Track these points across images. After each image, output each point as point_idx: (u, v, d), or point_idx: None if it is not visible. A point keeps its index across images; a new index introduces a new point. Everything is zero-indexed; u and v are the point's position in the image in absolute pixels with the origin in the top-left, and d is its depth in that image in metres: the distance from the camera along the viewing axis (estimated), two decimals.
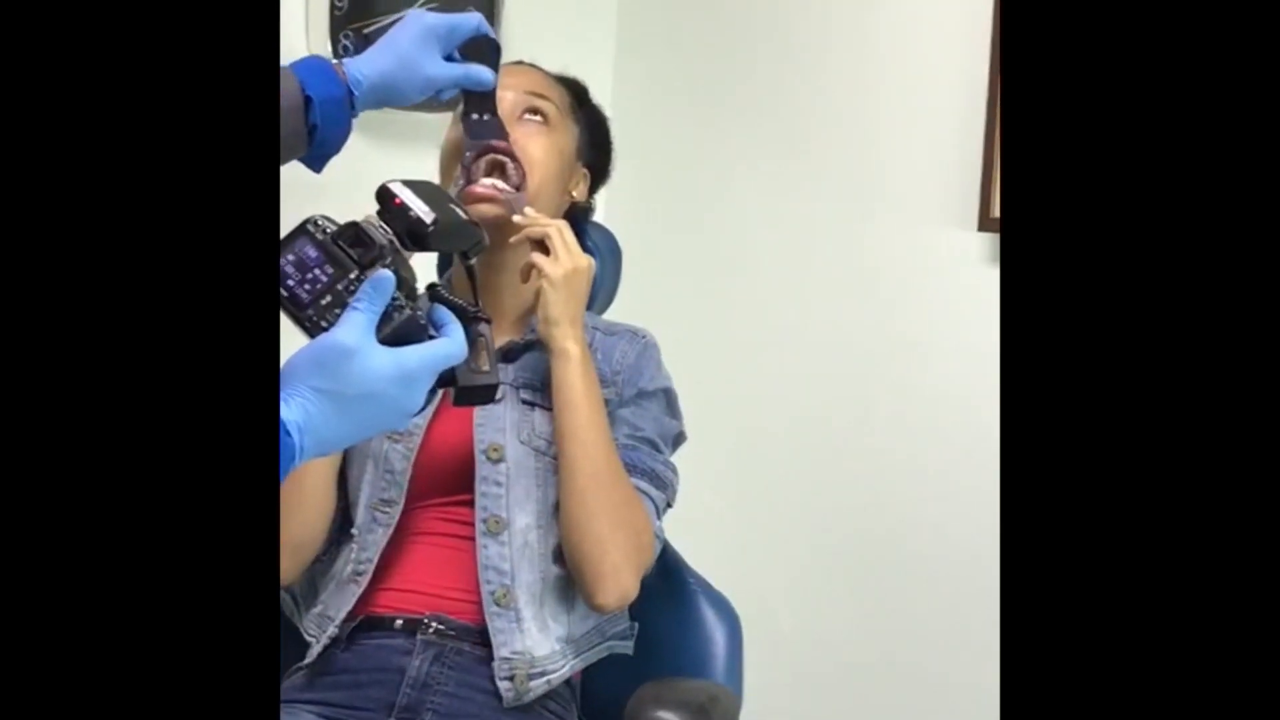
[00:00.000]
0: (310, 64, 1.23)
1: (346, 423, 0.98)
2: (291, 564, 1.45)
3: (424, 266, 1.36)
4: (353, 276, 1.02)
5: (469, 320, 1.08)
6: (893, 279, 2.09)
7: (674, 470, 1.51)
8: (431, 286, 1.11)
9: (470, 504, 1.44)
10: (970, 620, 1.90)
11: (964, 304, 1.97)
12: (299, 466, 0.96)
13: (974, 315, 1.92)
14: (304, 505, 1.44)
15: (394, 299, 1.02)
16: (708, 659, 1.52)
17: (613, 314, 1.68)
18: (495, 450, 1.45)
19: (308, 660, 1.44)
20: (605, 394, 1.47)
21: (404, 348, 1.01)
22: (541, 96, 1.53)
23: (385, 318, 1.01)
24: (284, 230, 1.01)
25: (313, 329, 1.01)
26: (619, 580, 1.40)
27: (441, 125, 1.56)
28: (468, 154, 1.43)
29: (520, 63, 1.56)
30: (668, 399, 1.53)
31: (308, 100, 1.20)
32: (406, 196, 1.08)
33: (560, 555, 1.45)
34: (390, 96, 1.28)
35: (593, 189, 1.62)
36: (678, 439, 1.54)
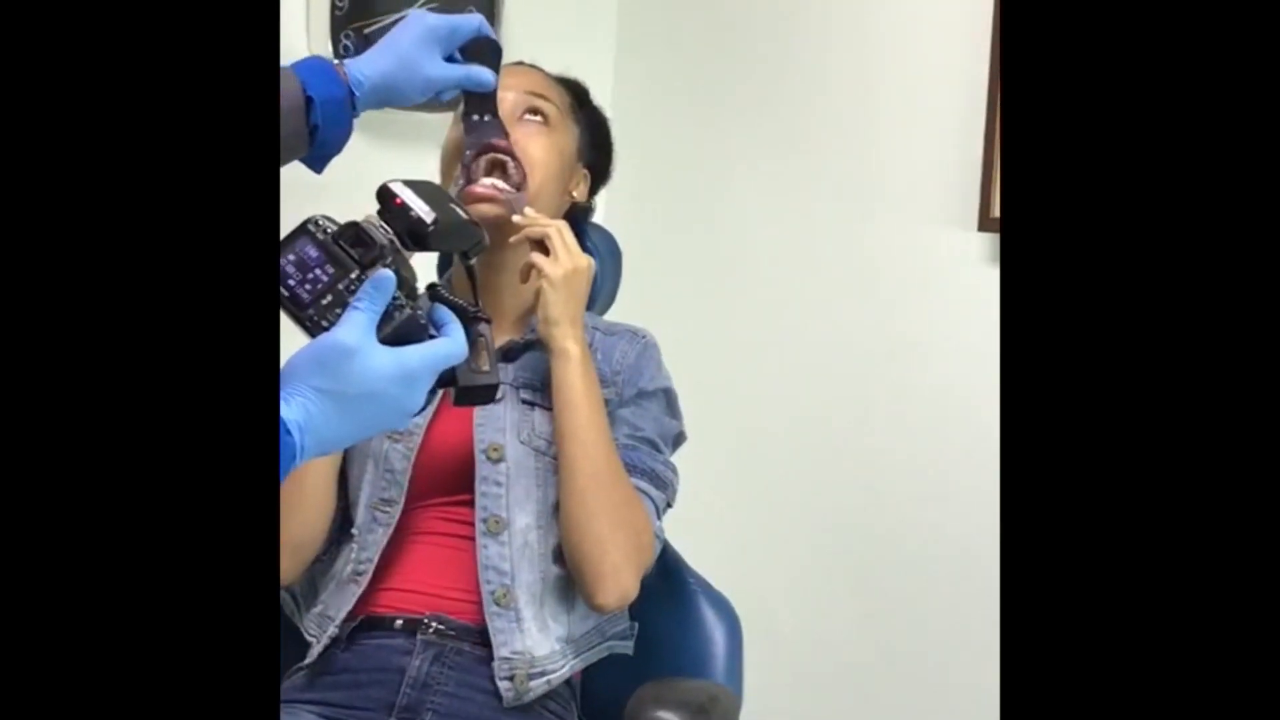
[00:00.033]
0: (311, 64, 1.23)
1: (347, 422, 0.98)
2: (292, 564, 1.45)
3: (424, 267, 1.36)
4: (353, 276, 1.02)
5: (469, 320, 1.08)
6: (893, 279, 2.09)
7: (674, 470, 1.51)
8: (431, 286, 1.11)
9: (470, 504, 1.44)
10: (970, 620, 1.90)
11: (964, 304, 1.97)
12: (299, 466, 0.96)
13: (974, 315, 1.92)
14: (304, 505, 1.44)
15: (395, 298, 1.02)
16: (708, 659, 1.52)
17: (613, 314, 1.68)
18: (495, 450, 1.45)
19: (308, 660, 1.44)
20: (605, 394, 1.47)
21: (405, 347, 1.01)
22: (542, 97, 1.53)
23: (386, 317, 1.01)
24: (284, 230, 1.02)
25: (313, 328, 1.01)
26: (619, 580, 1.40)
27: (442, 125, 1.56)
28: (468, 152, 1.43)
29: (521, 63, 1.56)
30: (668, 399, 1.53)
31: (309, 101, 1.20)
32: (407, 196, 1.08)
33: (560, 555, 1.45)
34: (391, 97, 1.28)
35: (593, 190, 1.62)
36: (678, 439, 1.54)
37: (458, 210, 1.13)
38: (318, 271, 1.02)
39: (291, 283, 1.01)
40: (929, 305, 2.04)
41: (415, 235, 1.07)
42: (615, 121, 1.66)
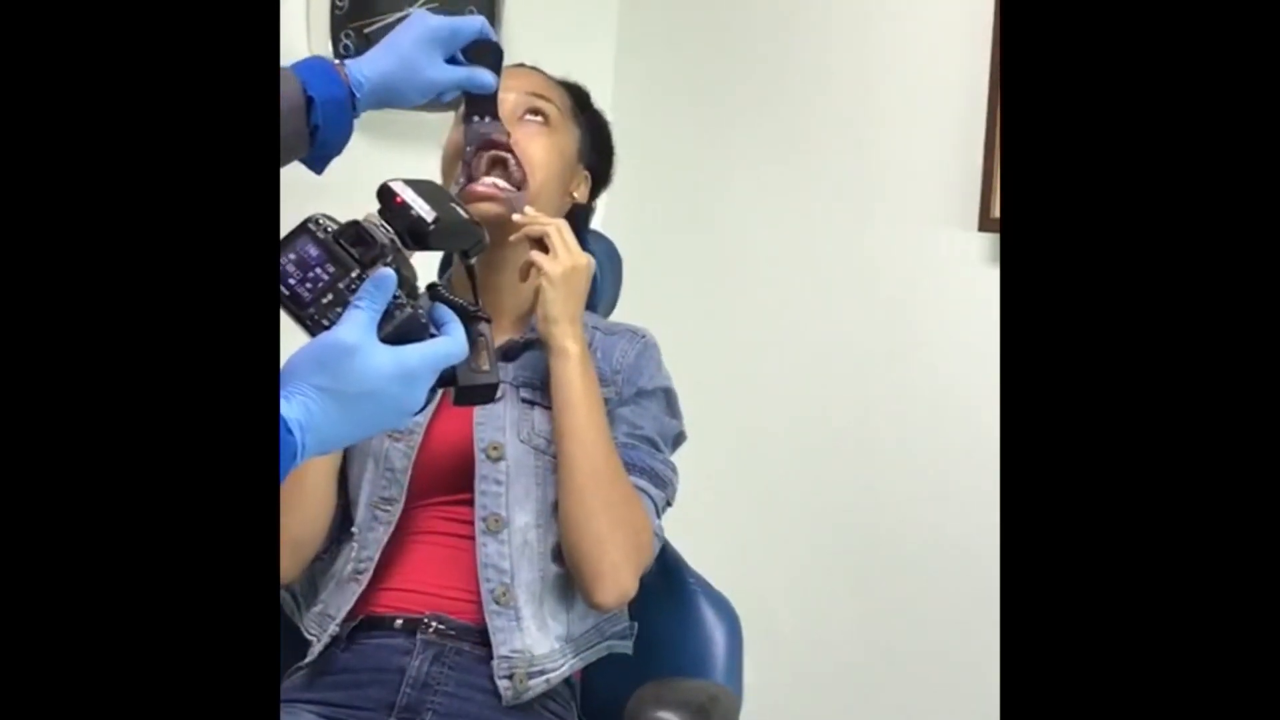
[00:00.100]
0: (312, 65, 1.23)
1: (348, 421, 0.98)
2: (292, 562, 1.46)
3: (425, 267, 1.36)
4: (354, 275, 1.02)
5: (469, 319, 1.08)
6: (893, 279, 2.09)
7: (674, 469, 1.51)
8: (431, 286, 1.11)
9: (470, 503, 1.44)
10: (970, 619, 1.90)
11: (964, 304, 1.97)
12: (299, 465, 0.96)
13: (974, 315, 1.92)
14: (304, 503, 1.44)
15: (395, 297, 1.02)
16: (708, 659, 1.52)
17: (614, 314, 1.68)
18: (495, 449, 1.45)
19: (309, 659, 1.44)
20: (605, 393, 1.47)
21: (405, 346, 1.01)
22: (543, 98, 1.53)
23: (386, 316, 1.01)
24: (284, 230, 1.02)
25: (314, 327, 1.01)
26: (618, 579, 1.40)
27: (442, 125, 1.56)
28: (469, 149, 1.43)
29: (522, 65, 1.57)
30: (667, 398, 1.53)
31: (309, 101, 1.20)
32: (407, 195, 1.08)
33: (560, 554, 1.45)
34: (391, 98, 1.28)
35: (594, 192, 1.62)
36: (677, 438, 1.54)
37: (458, 209, 1.13)
38: (318, 270, 1.02)
39: (292, 281, 1.01)
40: (929, 305, 2.04)
41: (416, 234, 1.07)
42: (615, 122, 1.66)
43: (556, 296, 1.43)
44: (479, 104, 1.40)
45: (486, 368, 1.10)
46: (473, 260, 1.20)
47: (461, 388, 1.09)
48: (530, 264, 1.45)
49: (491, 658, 1.40)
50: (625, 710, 1.37)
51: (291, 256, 1.02)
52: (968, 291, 1.96)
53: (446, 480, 1.46)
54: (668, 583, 1.56)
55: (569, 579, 1.45)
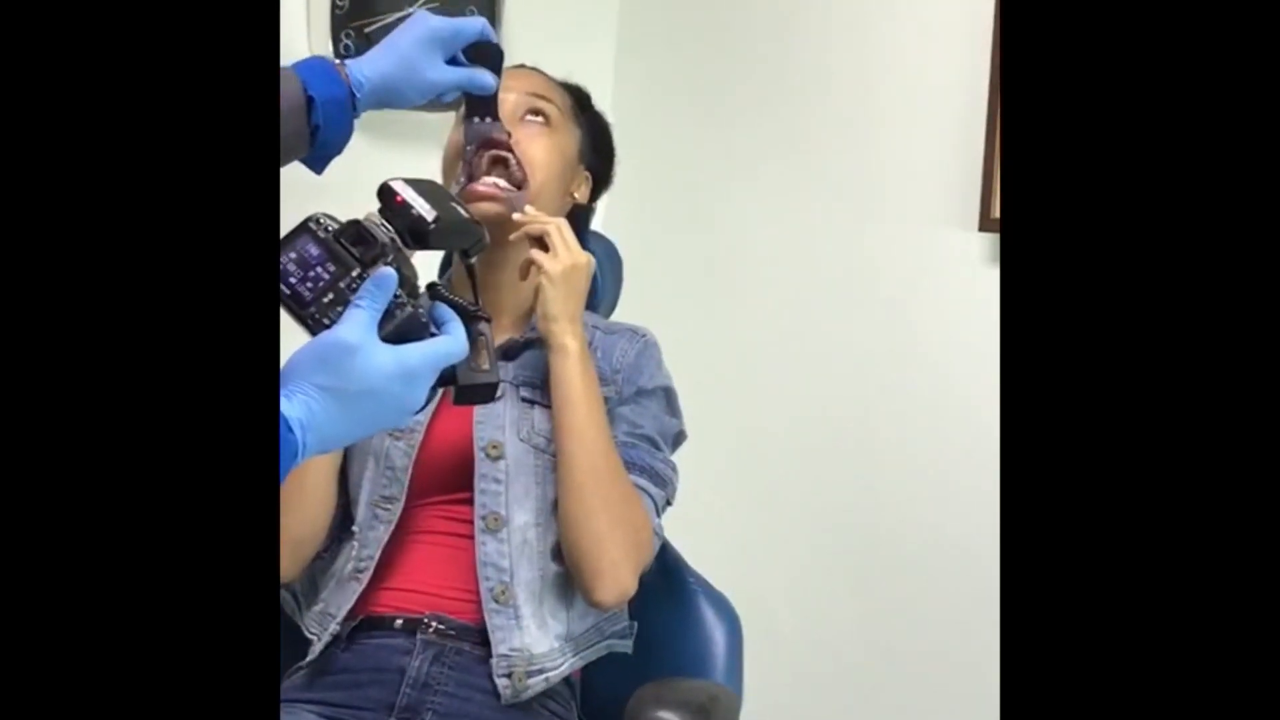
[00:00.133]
0: (312, 65, 1.23)
1: (349, 420, 0.98)
2: (292, 561, 1.46)
3: (425, 267, 1.36)
4: (354, 274, 1.02)
5: (469, 319, 1.09)
6: (893, 279, 2.09)
7: (673, 468, 1.51)
8: (431, 285, 1.11)
9: (470, 502, 1.44)
10: (970, 620, 1.90)
11: (964, 304, 1.97)
12: (300, 464, 0.96)
13: (974, 315, 1.92)
14: (305, 502, 1.44)
15: (396, 296, 1.02)
16: (708, 659, 1.53)
17: (614, 314, 1.68)
18: (495, 447, 1.45)
19: (309, 658, 1.44)
20: (605, 392, 1.47)
21: (406, 345, 1.01)
22: (544, 98, 1.53)
23: (387, 315, 1.01)
24: (284, 229, 1.02)
25: (315, 326, 1.01)
26: (617, 577, 1.40)
27: (443, 125, 1.56)
28: (469, 147, 1.43)
29: (522, 66, 1.57)
30: (667, 397, 1.53)
31: (310, 101, 1.20)
32: (408, 194, 1.08)
33: (559, 553, 1.45)
34: (392, 98, 1.28)
35: (594, 194, 1.62)
36: (678, 438, 1.55)
37: (458, 209, 1.13)
38: (319, 269, 1.02)
39: (293, 280, 1.01)
40: (929, 305, 2.04)
41: (416, 233, 1.08)
42: (616, 122, 1.66)
43: (556, 294, 1.43)
44: (479, 105, 1.40)
45: (486, 367, 1.11)
46: (473, 259, 1.20)
47: (461, 387, 1.09)
48: (530, 262, 1.45)
49: (491, 657, 1.40)
50: (625, 710, 1.37)
51: (292, 256, 1.02)
52: (968, 291, 1.96)
53: (447, 479, 1.46)
54: (668, 582, 1.56)
55: (568, 578, 1.45)
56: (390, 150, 1.69)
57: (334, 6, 2.21)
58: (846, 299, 2.16)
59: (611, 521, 1.40)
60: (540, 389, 1.47)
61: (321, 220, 1.04)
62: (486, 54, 1.33)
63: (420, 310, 1.04)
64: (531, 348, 1.50)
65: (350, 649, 1.43)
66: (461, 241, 1.16)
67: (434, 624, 1.42)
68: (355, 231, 1.04)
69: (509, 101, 1.48)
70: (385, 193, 1.09)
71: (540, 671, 1.41)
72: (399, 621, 1.43)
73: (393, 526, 1.45)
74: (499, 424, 1.46)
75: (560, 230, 1.45)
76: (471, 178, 1.45)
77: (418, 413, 1.05)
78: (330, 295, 1.02)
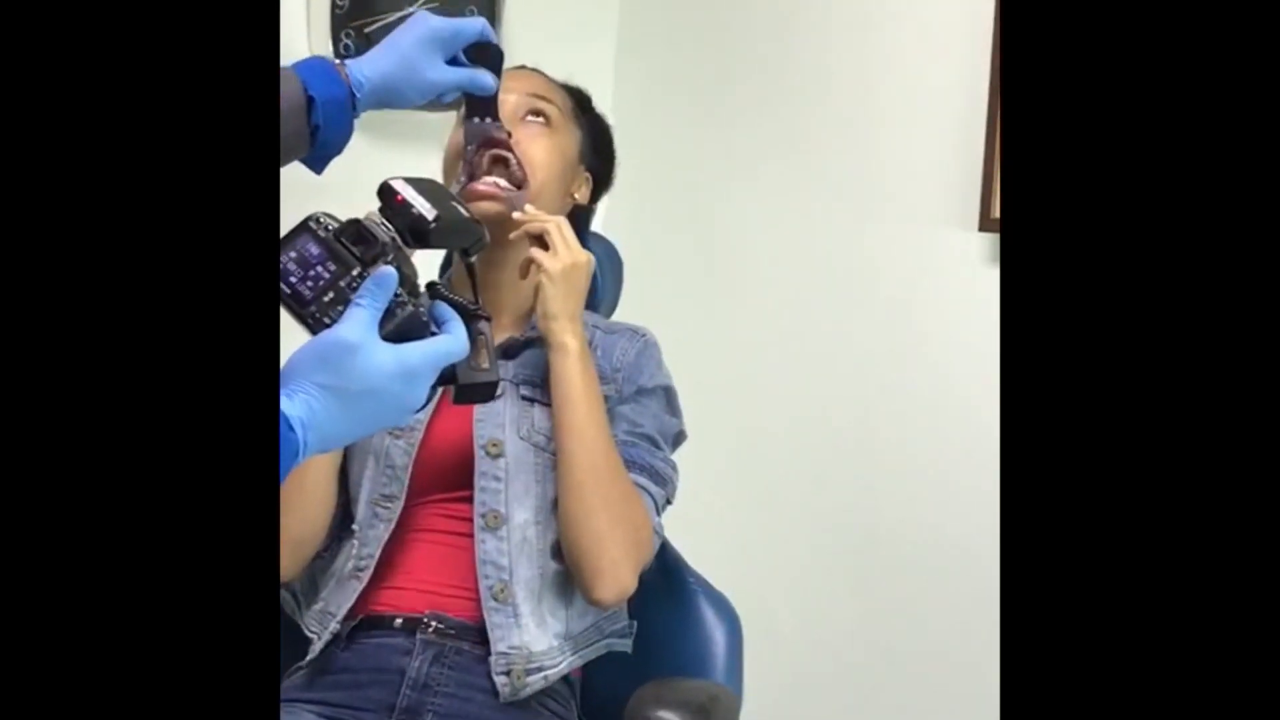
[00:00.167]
0: (313, 65, 1.23)
1: (350, 418, 0.98)
2: (292, 560, 1.46)
3: (426, 266, 1.36)
4: (355, 273, 1.02)
5: (469, 318, 1.09)
6: (893, 279, 2.09)
7: (674, 467, 1.51)
8: (431, 284, 1.11)
9: (470, 500, 1.45)
10: (970, 620, 1.90)
11: (964, 304, 1.97)
12: (301, 463, 0.96)
13: (974, 315, 1.92)
14: (305, 501, 1.44)
15: (396, 295, 1.02)
16: (708, 659, 1.53)
17: (614, 314, 1.68)
18: (495, 446, 1.45)
19: (309, 657, 1.44)
20: (605, 391, 1.47)
21: (406, 344, 1.01)
22: (544, 99, 1.54)
23: (388, 314, 1.01)
24: (284, 229, 1.02)
25: (315, 326, 1.01)
26: (617, 575, 1.40)
27: (443, 125, 1.56)
28: (469, 147, 1.43)
29: (523, 67, 1.57)
30: (667, 397, 1.54)
31: (310, 101, 1.20)
32: (408, 193, 1.08)
33: (559, 551, 1.45)
34: (392, 98, 1.28)
35: (595, 195, 1.62)
36: (678, 437, 1.55)
37: (459, 208, 1.13)
38: (319, 269, 1.02)
39: (293, 280, 1.02)
40: (929, 305, 2.04)
41: (416, 232, 1.08)
42: (616, 122, 1.66)
43: (556, 293, 1.43)
44: (479, 105, 1.40)
45: (486, 366, 1.11)
46: (473, 258, 1.20)
47: (461, 386, 1.09)
48: (530, 260, 1.45)
49: (490, 656, 1.40)
50: (625, 710, 1.37)
51: (292, 255, 1.02)
52: (968, 291, 1.96)
53: (447, 477, 1.46)
54: (668, 582, 1.56)
55: (568, 576, 1.45)
56: (390, 150, 1.69)
57: (334, 6, 2.21)
58: (846, 299, 2.16)
59: (611, 520, 1.40)
60: (540, 387, 1.47)
61: (322, 219, 1.04)
62: (486, 54, 1.33)
63: (421, 309, 1.04)
64: (532, 346, 1.50)
65: (350, 648, 1.43)
66: (462, 240, 1.16)
67: (433, 623, 1.42)
68: (355, 230, 1.04)
69: (510, 102, 1.48)
70: (385, 192, 1.09)
71: (539, 670, 1.41)
72: (399, 621, 1.43)
73: (393, 525, 1.45)
74: (499, 422, 1.46)
75: (560, 228, 1.45)
76: (472, 177, 1.45)
77: (418, 411, 1.05)
78: (331, 294, 1.02)
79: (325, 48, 2.19)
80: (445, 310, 1.07)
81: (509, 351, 1.50)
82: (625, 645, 1.51)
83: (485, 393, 1.12)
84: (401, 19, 1.33)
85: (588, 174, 1.59)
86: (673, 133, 2.43)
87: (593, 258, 1.49)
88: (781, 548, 2.22)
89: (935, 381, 2.02)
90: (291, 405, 0.95)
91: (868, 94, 2.15)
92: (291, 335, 1.00)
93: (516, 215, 1.45)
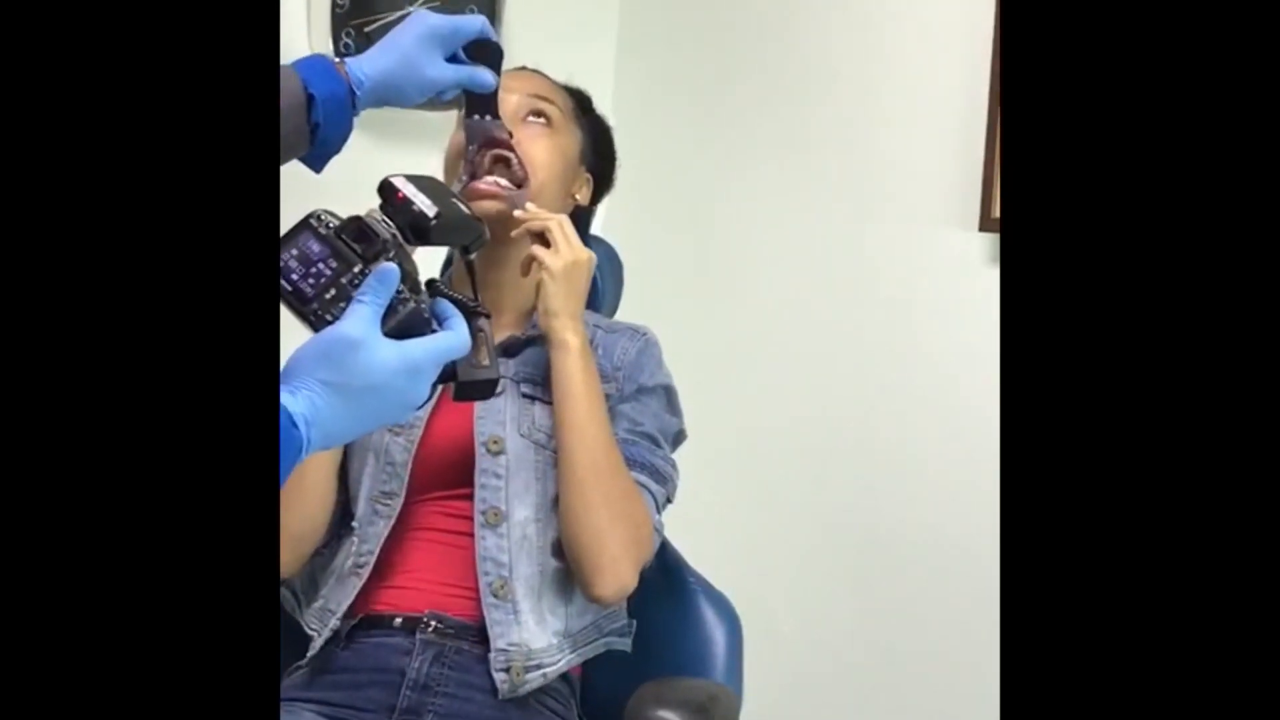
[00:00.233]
0: (313, 62, 1.23)
1: (352, 415, 0.98)
2: (291, 557, 1.46)
3: (426, 264, 1.36)
4: (356, 270, 1.02)
5: (469, 315, 1.09)
6: (893, 279, 2.09)
7: (674, 465, 1.51)
8: (431, 282, 1.11)
9: (470, 497, 1.45)
10: (970, 620, 1.90)
11: (964, 304, 1.97)
12: (302, 459, 0.96)
13: (974, 315, 1.92)
14: (305, 498, 1.44)
15: (398, 292, 1.02)
16: (708, 658, 1.53)
17: (614, 315, 1.68)
18: (495, 443, 1.45)
19: (309, 655, 1.44)
20: (606, 389, 1.47)
21: (408, 340, 1.01)
22: (545, 100, 1.54)
23: (390, 311, 1.01)
24: (284, 227, 1.02)
25: (317, 323, 1.01)
26: (617, 572, 1.40)
27: (443, 124, 1.56)
28: (471, 147, 1.44)
29: (524, 68, 1.57)
30: (668, 396, 1.54)
31: (310, 99, 1.20)
32: (409, 191, 1.08)
33: (559, 549, 1.45)
34: (391, 96, 1.28)
35: (596, 196, 1.62)
36: (678, 436, 1.55)
37: (459, 205, 1.13)
38: (321, 266, 1.02)
39: (294, 277, 1.02)
40: (929, 305, 2.04)
41: (417, 229, 1.08)
42: (616, 122, 1.66)
43: (557, 290, 1.43)
44: (479, 103, 1.40)
45: (486, 363, 1.11)
46: (473, 256, 1.20)
47: (462, 383, 1.09)
48: (531, 258, 1.45)
49: (490, 654, 1.40)
50: (625, 709, 1.37)
51: (294, 252, 1.02)
52: (968, 291, 1.96)
53: (447, 474, 1.46)
54: (668, 582, 1.56)
55: (568, 574, 1.45)
56: (391, 148, 1.69)
57: (334, 5, 2.22)
58: (846, 299, 2.16)
59: (612, 517, 1.40)
60: (541, 385, 1.48)
61: (323, 217, 1.04)
62: (486, 52, 1.34)
63: (423, 305, 1.05)
64: (533, 344, 1.50)
65: (350, 648, 1.43)
66: (462, 238, 1.16)
67: (433, 623, 1.42)
68: (357, 228, 1.04)
69: (511, 102, 1.49)
70: (386, 189, 1.09)
71: (538, 667, 1.41)
72: (398, 620, 1.43)
73: (392, 522, 1.45)
74: (500, 419, 1.46)
75: (562, 226, 1.45)
76: (474, 176, 1.45)
77: (419, 408, 1.05)
78: (332, 291, 1.02)
79: (325, 47, 2.19)
80: (446, 307, 1.07)
81: (510, 349, 1.50)
82: (625, 644, 1.51)
83: (485, 390, 1.12)
84: (401, 18, 1.33)
85: (588, 175, 1.59)
86: (673, 133, 2.43)
87: (594, 256, 1.49)
88: (781, 548, 2.22)
89: (935, 381, 2.02)
90: (294, 402, 0.95)
91: (868, 94, 2.15)
92: (292, 334, 1.00)
93: (518, 213, 1.45)
